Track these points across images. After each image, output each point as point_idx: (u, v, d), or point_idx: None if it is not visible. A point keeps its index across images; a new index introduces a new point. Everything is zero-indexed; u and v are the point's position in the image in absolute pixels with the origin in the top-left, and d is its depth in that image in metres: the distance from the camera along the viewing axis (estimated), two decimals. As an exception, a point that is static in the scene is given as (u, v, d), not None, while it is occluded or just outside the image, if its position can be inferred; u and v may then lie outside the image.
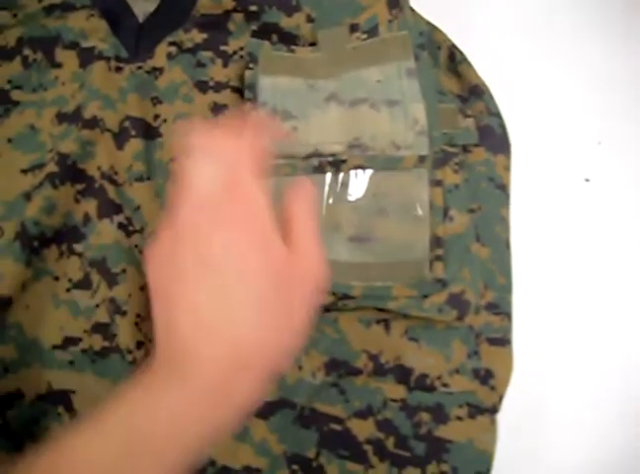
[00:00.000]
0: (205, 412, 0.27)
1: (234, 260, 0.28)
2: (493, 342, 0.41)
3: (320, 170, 0.41)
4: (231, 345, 0.27)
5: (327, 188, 0.41)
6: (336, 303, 0.40)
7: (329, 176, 0.41)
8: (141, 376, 0.27)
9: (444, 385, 0.40)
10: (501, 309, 0.41)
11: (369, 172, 0.41)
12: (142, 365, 0.28)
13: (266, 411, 0.40)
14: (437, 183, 0.41)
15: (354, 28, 0.44)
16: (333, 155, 0.41)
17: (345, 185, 0.41)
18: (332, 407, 0.40)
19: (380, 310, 0.41)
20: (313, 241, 0.30)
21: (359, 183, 0.41)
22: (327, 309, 0.41)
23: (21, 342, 0.41)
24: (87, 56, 0.45)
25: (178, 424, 0.26)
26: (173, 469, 0.26)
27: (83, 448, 0.26)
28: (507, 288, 0.42)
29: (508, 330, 0.41)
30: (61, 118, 0.44)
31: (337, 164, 0.41)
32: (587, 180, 0.46)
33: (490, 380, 0.40)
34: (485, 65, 0.45)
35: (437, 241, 0.40)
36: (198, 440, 0.27)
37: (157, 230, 0.30)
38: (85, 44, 0.46)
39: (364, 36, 0.44)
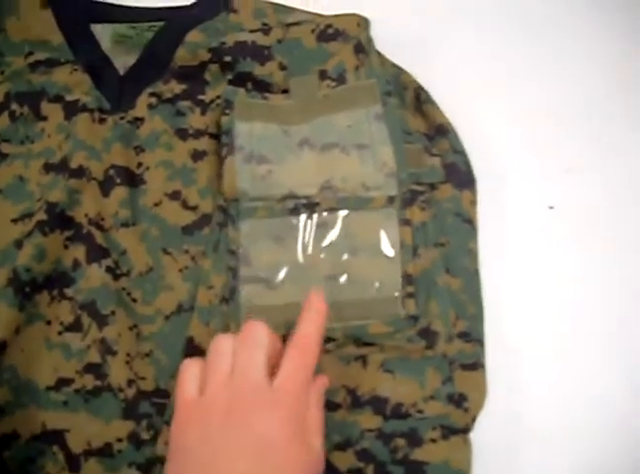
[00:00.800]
0: None
1: (276, 450, 0.34)
2: (466, 367, 0.42)
3: (295, 212, 0.43)
4: None
5: (302, 229, 0.43)
6: None
7: (303, 217, 0.43)
8: None
9: (419, 411, 0.41)
10: (472, 337, 0.43)
11: (342, 212, 0.43)
12: None
13: None
14: (405, 222, 0.43)
15: (323, 74, 0.46)
16: (307, 197, 0.43)
17: (319, 226, 0.43)
18: None
19: (358, 345, 0.42)
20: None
21: (332, 223, 0.43)
22: None
23: (15, 384, 0.42)
24: (71, 109, 0.47)
25: None
26: None
27: None
28: (478, 317, 0.44)
29: (480, 355, 0.43)
30: (49, 168, 0.46)
31: (311, 206, 0.43)
32: (551, 207, 0.48)
33: (464, 403, 0.42)
34: (449, 104, 0.47)
35: (407, 278, 0.42)
36: None
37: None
38: (69, 98, 0.47)
39: (334, 83, 0.46)
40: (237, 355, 0.36)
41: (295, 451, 0.34)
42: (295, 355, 0.37)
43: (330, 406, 0.42)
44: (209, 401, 0.35)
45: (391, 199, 0.43)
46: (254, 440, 0.34)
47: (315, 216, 0.43)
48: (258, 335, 0.37)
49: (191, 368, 0.37)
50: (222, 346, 0.37)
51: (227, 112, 0.45)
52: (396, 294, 0.42)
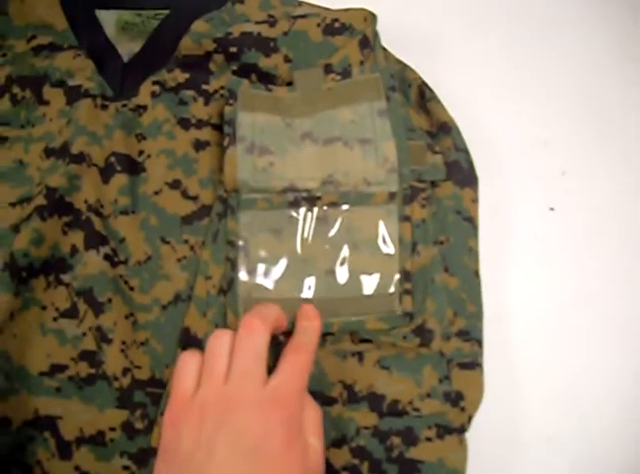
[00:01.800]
0: None
1: (273, 454, 0.34)
2: (463, 366, 0.42)
3: (295, 205, 0.43)
4: None
5: (301, 222, 0.43)
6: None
7: (303, 211, 0.43)
8: None
9: (415, 409, 0.41)
10: (471, 335, 0.43)
11: (343, 207, 0.43)
12: None
13: None
14: (405, 218, 0.43)
15: (328, 68, 0.46)
16: (308, 191, 0.43)
17: (319, 219, 0.43)
18: None
19: (354, 342, 0.43)
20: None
21: (332, 218, 0.43)
22: None
23: (8, 369, 0.42)
24: (74, 94, 0.47)
25: None
26: None
27: None
28: (477, 316, 0.44)
29: (478, 354, 0.43)
30: (49, 152, 0.46)
31: (311, 200, 0.43)
32: (551, 209, 0.48)
33: (460, 402, 0.42)
34: (453, 101, 0.47)
35: (405, 275, 0.42)
36: None
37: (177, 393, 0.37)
38: (72, 83, 0.47)
39: (338, 77, 0.45)
40: (234, 356, 0.36)
41: (292, 454, 0.35)
42: (291, 359, 0.37)
43: (326, 400, 0.42)
44: (204, 401, 0.35)
45: (392, 196, 0.43)
46: (250, 445, 0.34)
47: (315, 210, 0.43)
48: (256, 335, 0.37)
49: (188, 362, 0.37)
50: (219, 344, 0.37)
51: (231, 102, 0.45)
52: (393, 291, 0.42)
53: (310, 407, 0.37)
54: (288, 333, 0.40)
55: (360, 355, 0.42)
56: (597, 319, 0.47)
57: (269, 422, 0.35)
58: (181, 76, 0.48)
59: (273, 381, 0.36)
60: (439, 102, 0.47)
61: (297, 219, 0.43)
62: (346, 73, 0.46)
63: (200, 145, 0.46)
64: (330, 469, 0.41)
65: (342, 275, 0.42)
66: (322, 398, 0.41)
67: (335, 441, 0.41)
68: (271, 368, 0.37)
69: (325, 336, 0.42)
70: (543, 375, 0.45)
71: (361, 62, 0.46)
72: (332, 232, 0.43)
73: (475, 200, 0.45)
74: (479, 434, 0.42)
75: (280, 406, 0.35)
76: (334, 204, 0.43)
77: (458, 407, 0.42)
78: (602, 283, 0.47)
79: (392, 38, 0.48)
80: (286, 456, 0.34)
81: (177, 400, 0.36)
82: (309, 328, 0.40)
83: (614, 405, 0.45)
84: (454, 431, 0.41)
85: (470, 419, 0.42)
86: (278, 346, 0.40)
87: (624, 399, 0.45)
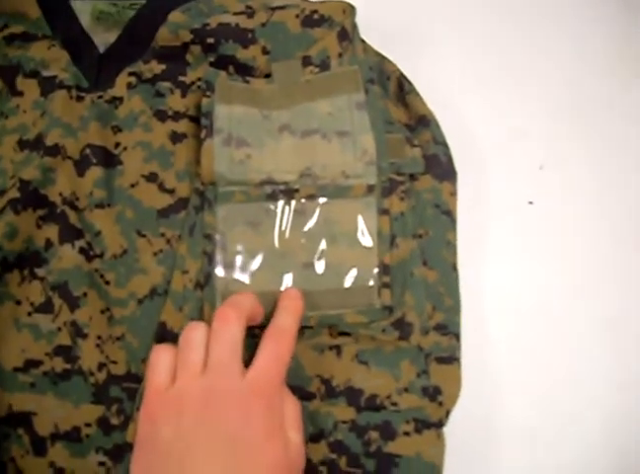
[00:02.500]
0: None
1: (253, 446, 0.34)
2: (441, 360, 0.43)
3: (273, 198, 0.43)
4: None
5: (279, 215, 0.43)
6: None
7: (281, 204, 0.43)
8: None
9: (393, 404, 0.41)
10: (449, 330, 0.43)
11: (321, 200, 0.43)
12: None
13: None
14: (384, 211, 0.43)
15: (306, 61, 0.45)
16: (285, 183, 0.43)
17: (297, 212, 0.43)
18: None
19: (332, 335, 0.43)
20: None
21: (310, 211, 0.43)
22: None
23: None
24: (48, 85, 0.46)
25: None
26: None
27: None
28: (454, 310, 0.44)
29: (456, 349, 0.43)
30: (23, 145, 0.45)
31: (289, 192, 0.43)
32: (530, 202, 0.49)
33: (438, 397, 0.42)
34: (432, 94, 0.47)
35: (384, 268, 0.42)
36: None
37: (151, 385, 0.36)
38: (46, 74, 0.46)
39: (317, 69, 0.45)
40: (210, 347, 0.36)
41: (273, 447, 0.34)
42: (270, 347, 0.37)
43: (304, 395, 0.42)
44: (181, 393, 0.35)
45: (370, 188, 0.43)
46: (229, 437, 0.34)
47: (293, 203, 0.43)
48: (231, 326, 0.37)
49: (162, 355, 0.37)
50: (194, 336, 0.37)
51: (208, 94, 0.44)
52: (372, 284, 0.42)
53: (289, 401, 0.37)
54: (264, 326, 0.40)
55: (337, 349, 0.42)
56: (575, 313, 0.47)
57: (248, 412, 0.34)
58: (157, 67, 0.47)
59: (251, 372, 0.36)
60: (417, 94, 0.47)
61: (275, 212, 0.43)
62: (324, 65, 0.45)
63: (176, 137, 0.46)
64: (308, 464, 0.40)
65: (320, 268, 0.42)
66: (300, 392, 0.41)
67: (313, 436, 0.41)
68: (246, 361, 0.37)
69: (303, 329, 0.42)
70: (521, 370, 0.46)
71: (340, 55, 0.45)
72: (310, 225, 0.43)
73: (454, 194, 0.45)
74: (457, 429, 0.42)
75: (259, 397, 0.35)
76: (312, 197, 0.43)
77: (436, 401, 0.42)
78: (581, 277, 0.48)
79: (371, 30, 0.48)
80: (267, 446, 0.34)
81: (152, 394, 0.36)
82: (289, 307, 0.40)
83: (594, 399, 0.46)
84: (432, 425, 0.41)
85: (448, 413, 0.42)
86: (253, 338, 0.40)
87: (604, 394, 0.46)
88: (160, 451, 0.34)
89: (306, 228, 0.43)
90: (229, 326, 0.37)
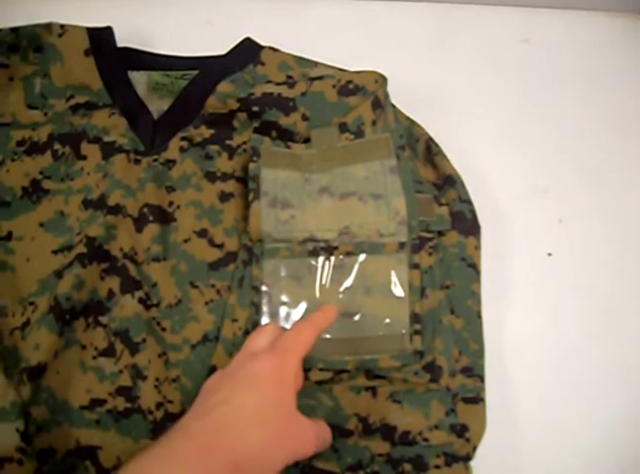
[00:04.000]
0: None
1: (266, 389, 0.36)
2: (467, 400, 0.46)
3: (314, 254, 0.47)
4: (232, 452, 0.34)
5: (320, 270, 0.47)
6: (333, 378, 0.45)
7: (322, 259, 0.47)
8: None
9: (425, 440, 0.44)
10: (474, 372, 0.47)
11: (358, 256, 0.47)
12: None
13: None
14: (414, 266, 0.47)
15: (342, 127, 0.49)
16: (326, 241, 0.47)
17: (336, 267, 0.47)
18: (328, 463, 0.44)
19: (368, 378, 0.46)
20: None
21: (348, 266, 0.47)
22: (325, 382, 0.45)
23: (52, 403, 0.45)
24: (109, 150, 0.50)
25: None
26: None
27: None
28: (479, 354, 0.47)
29: (481, 390, 0.46)
30: (87, 204, 0.49)
31: (329, 249, 0.47)
32: (549, 254, 0.52)
33: (465, 433, 0.45)
34: (457, 155, 0.51)
35: (415, 317, 0.46)
36: None
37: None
38: (107, 139, 0.51)
39: (352, 136, 0.49)
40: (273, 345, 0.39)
41: (282, 393, 0.37)
42: (299, 328, 0.40)
43: (343, 432, 0.45)
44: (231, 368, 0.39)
45: (402, 245, 0.47)
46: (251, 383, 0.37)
47: (333, 259, 0.47)
48: (304, 335, 0.39)
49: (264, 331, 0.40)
50: (261, 336, 0.40)
51: (254, 159, 0.48)
52: (404, 331, 0.45)
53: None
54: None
55: (373, 390, 0.46)
56: (592, 359, 0.50)
57: (262, 364, 0.37)
58: (206, 132, 0.51)
59: (276, 341, 0.38)
60: (444, 156, 0.51)
61: (316, 267, 0.47)
62: (359, 132, 0.49)
63: (224, 197, 0.50)
64: None
65: (357, 317, 0.46)
66: (339, 431, 0.44)
67: (351, 466, 0.44)
68: None
69: (341, 373, 0.46)
70: (541, 409, 0.49)
71: (374, 122, 0.49)
72: (348, 278, 0.47)
73: (478, 248, 0.49)
74: (483, 462, 0.45)
75: (274, 355, 0.37)
76: (350, 254, 0.47)
77: (464, 438, 0.45)
78: (598, 326, 0.51)
79: (401, 96, 0.52)
80: (277, 392, 0.36)
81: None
82: (325, 310, 0.41)
83: (611, 439, 0.48)
84: (461, 459, 0.44)
85: (475, 448, 0.45)
86: None
87: (621, 434, 0.49)
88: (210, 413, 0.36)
89: (344, 281, 0.47)
90: (302, 336, 0.39)
